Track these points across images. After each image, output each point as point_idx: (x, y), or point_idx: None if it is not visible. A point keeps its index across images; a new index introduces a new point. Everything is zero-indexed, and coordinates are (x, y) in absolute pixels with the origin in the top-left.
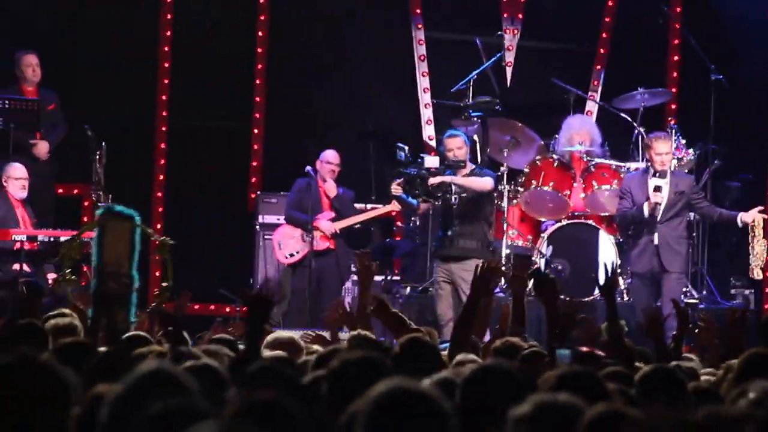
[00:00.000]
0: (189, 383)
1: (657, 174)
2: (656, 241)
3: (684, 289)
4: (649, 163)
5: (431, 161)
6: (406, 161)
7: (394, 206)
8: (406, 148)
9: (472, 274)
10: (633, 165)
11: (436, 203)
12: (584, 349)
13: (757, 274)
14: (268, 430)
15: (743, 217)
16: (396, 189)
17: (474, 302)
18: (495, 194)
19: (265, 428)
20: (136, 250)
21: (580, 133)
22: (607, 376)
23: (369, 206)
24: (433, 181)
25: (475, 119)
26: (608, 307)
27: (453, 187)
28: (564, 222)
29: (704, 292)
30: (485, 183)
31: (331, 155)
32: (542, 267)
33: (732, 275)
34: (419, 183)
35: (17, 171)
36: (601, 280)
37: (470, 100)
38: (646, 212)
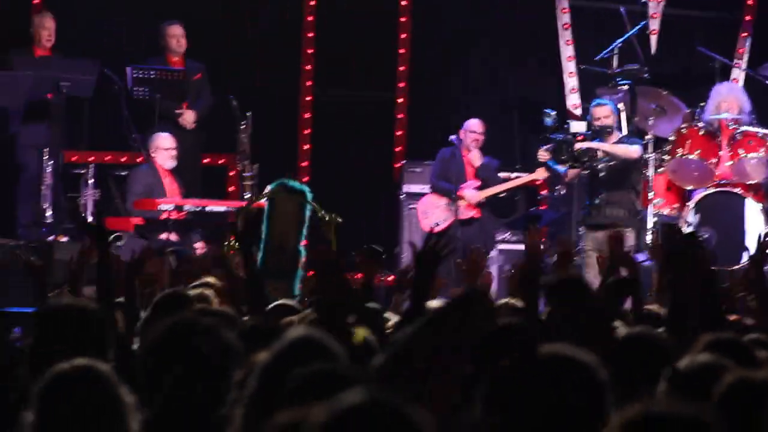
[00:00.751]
0: (336, 349)
1: None
2: None
3: None
4: None
5: (578, 126)
6: (553, 127)
7: (539, 174)
8: (554, 113)
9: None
10: None
11: (583, 171)
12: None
13: None
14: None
15: None
16: (543, 155)
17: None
18: (641, 162)
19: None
20: (305, 225)
21: (727, 100)
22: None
23: (514, 175)
24: (578, 146)
25: (622, 87)
26: (756, 278)
27: (599, 154)
28: (710, 190)
29: None
30: (632, 150)
31: (475, 124)
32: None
33: None
34: (566, 148)
35: (166, 141)
36: (753, 249)
37: (616, 68)
38: None
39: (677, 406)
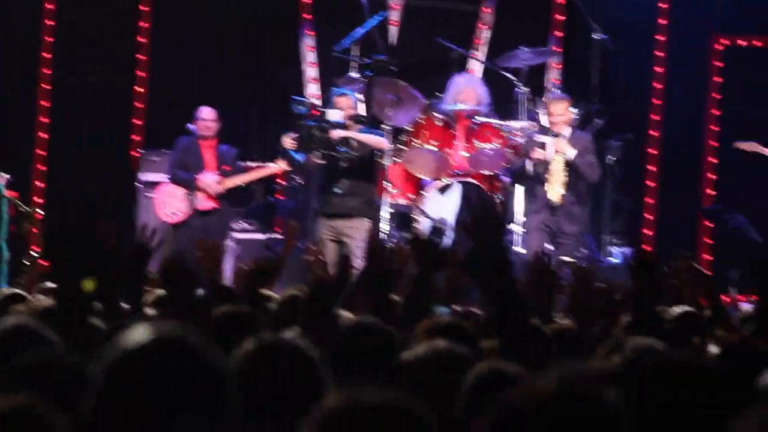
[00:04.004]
0: (52, 337)
1: (551, 134)
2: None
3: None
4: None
5: (335, 114)
6: (306, 115)
7: (282, 165)
8: (309, 101)
9: (360, 232)
10: (516, 124)
11: (320, 160)
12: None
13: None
14: None
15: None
16: (289, 143)
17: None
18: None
19: None
20: (3, 221)
21: (465, 91)
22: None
23: (253, 164)
24: (338, 134)
25: (362, 78)
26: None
27: (354, 144)
28: (446, 180)
29: (584, 251)
30: (383, 141)
31: (205, 111)
32: (427, 225)
33: (611, 234)
34: (318, 136)
35: None
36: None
37: (359, 59)
38: (529, 168)
39: (384, 396)
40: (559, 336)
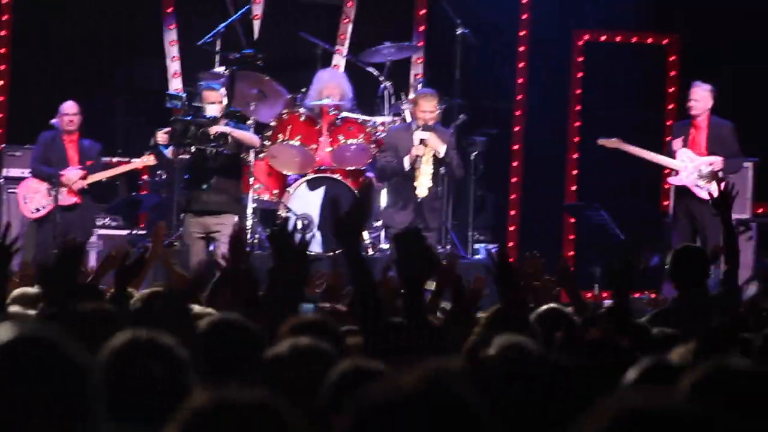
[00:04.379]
0: None
1: (421, 128)
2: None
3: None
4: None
5: (213, 110)
6: (181, 109)
7: (150, 160)
8: (183, 95)
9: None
10: (380, 119)
11: (184, 155)
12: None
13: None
14: None
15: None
16: (162, 138)
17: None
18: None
19: None
20: None
21: (329, 86)
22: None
23: (116, 159)
24: (216, 129)
25: (225, 72)
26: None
27: (229, 139)
28: (310, 176)
29: (449, 247)
30: (255, 138)
31: (67, 106)
32: (290, 221)
33: (475, 230)
34: (194, 131)
35: None
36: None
37: (222, 53)
38: (407, 165)
39: (249, 394)
40: (426, 331)
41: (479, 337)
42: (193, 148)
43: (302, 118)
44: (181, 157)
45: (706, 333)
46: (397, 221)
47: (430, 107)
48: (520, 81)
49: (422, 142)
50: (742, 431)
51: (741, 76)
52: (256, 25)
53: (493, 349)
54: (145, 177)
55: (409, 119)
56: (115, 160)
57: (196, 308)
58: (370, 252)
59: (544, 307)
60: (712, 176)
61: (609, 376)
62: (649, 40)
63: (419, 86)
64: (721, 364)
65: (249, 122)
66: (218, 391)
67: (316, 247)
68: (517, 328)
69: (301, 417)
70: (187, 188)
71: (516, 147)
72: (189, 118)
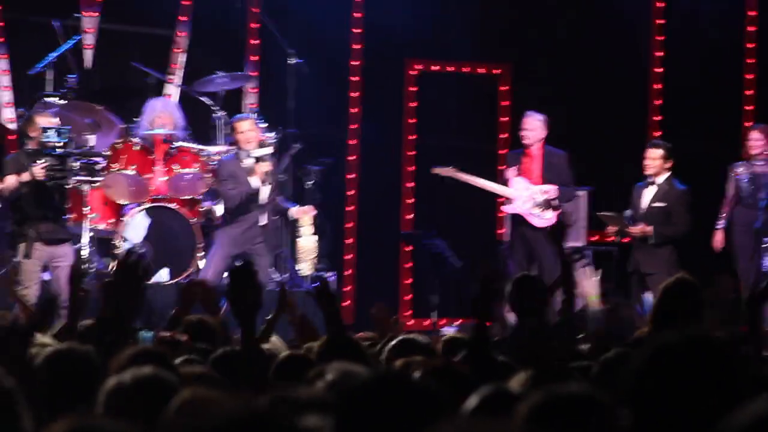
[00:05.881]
0: None
1: (249, 153)
2: (263, 222)
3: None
4: (237, 147)
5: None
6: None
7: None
8: (66, 128)
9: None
10: (214, 149)
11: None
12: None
13: (306, 270)
14: None
15: (293, 212)
16: (41, 173)
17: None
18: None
19: None
20: None
21: (161, 116)
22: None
23: None
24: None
25: (58, 102)
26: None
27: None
28: (146, 205)
29: (287, 275)
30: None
31: None
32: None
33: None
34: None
35: None
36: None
37: (54, 83)
38: (256, 184)
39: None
40: (273, 361)
41: (315, 367)
42: (26, 178)
43: (136, 148)
44: (13, 187)
45: (544, 361)
46: (235, 249)
47: (248, 126)
48: (354, 110)
49: (259, 159)
50: None
51: (573, 105)
52: (88, 54)
53: (329, 376)
54: None
55: (234, 151)
56: None
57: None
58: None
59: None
60: (547, 204)
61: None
62: (481, 70)
63: (254, 116)
64: (556, 391)
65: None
66: (75, 420)
67: (161, 276)
68: (351, 356)
69: None
70: (30, 218)
71: (351, 176)
72: (62, 153)
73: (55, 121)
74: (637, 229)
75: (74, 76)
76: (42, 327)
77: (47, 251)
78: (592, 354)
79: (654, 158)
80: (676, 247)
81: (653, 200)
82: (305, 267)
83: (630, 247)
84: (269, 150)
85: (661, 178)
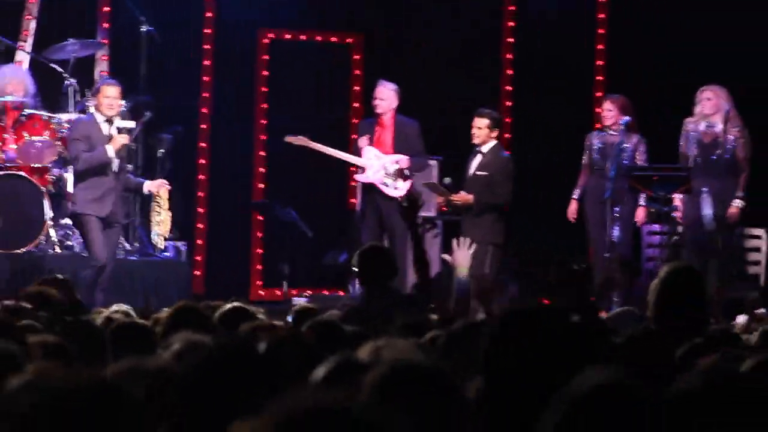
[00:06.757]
0: None
1: (108, 120)
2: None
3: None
4: (94, 110)
5: None
6: None
7: None
8: None
9: None
10: (65, 116)
11: None
12: None
13: (160, 244)
14: None
15: (148, 186)
16: None
17: None
18: None
19: None
20: None
21: (12, 83)
22: None
23: None
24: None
25: None
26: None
27: None
28: None
29: (136, 244)
30: None
31: None
32: None
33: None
34: None
35: None
36: None
37: None
38: (111, 153)
39: None
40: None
41: (162, 336)
42: None
43: None
44: None
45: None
46: (96, 211)
47: (114, 92)
48: (205, 79)
49: (121, 131)
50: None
51: (424, 74)
52: None
53: (175, 345)
54: None
55: (91, 113)
56: None
57: None
58: (58, 250)
59: (228, 305)
60: (399, 174)
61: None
62: (334, 39)
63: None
64: (401, 361)
65: None
66: None
67: None
68: (198, 325)
69: None
70: None
71: (203, 145)
72: None
73: None
74: (458, 197)
75: None
76: None
77: None
78: (440, 324)
79: (479, 127)
80: (502, 216)
81: (477, 169)
82: (159, 240)
83: None
84: (133, 124)
85: (486, 147)
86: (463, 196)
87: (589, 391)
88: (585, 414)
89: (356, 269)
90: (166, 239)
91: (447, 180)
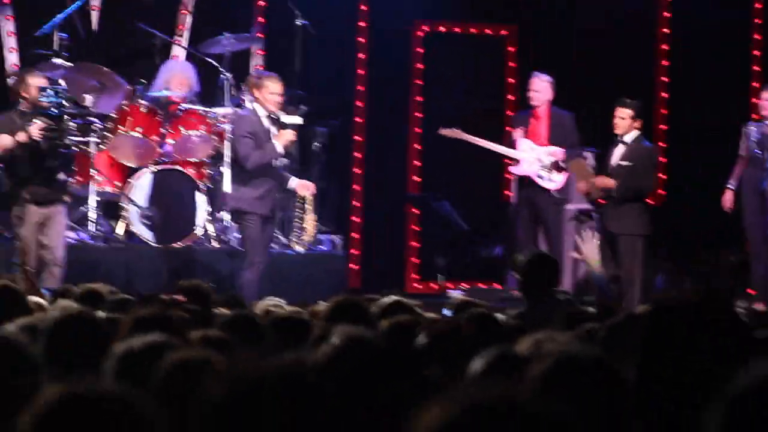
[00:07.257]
0: None
1: (270, 115)
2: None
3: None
4: (255, 105)
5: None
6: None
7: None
8: (62, 89)
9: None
10: (220, 110)
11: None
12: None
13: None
14: None
15: (293, 184)
16: (38, 133)
17: None
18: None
19: None
20: None
21: (178, 77)
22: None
23: None
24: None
25: (64, 64)
26: None
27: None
28: (152, 168)
29: (292, 238)
30: None
31: None
32: (135, 213)
33: (319, 221)
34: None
35: None
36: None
37: (61, 44)
38: (280, 149)
39: (103, 388)
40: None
41: (321, 329)
42: (23, 138)
43: (143, 110)
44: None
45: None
46: (259, 209)
47: (279, 88)
48: (360, 72)
49: (286, 126)
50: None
51: (580, 66)
52: (94, 15)
53: (335, 339)
54: None
55: (251, 108)
56: None
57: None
58: (215, 244)
59: (387, 299)
60: (554, 166)
61: (456, 364)
62: (488, 31)
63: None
64: (566, 354)
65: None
66: (70, 385)
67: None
68: (357, 319)
69: (155, 410)
70: (18, 180)
71: (358, 138)
72: (59, 112)
73: (44, 81)
74: (601, 181)
75: (66, 36)
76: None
77: (40, 212)
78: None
79: (623, 117)
80: (648, 207)
81: (621, 159)
82: (302, 245)
83: None
84: (300, 120)
85: (629, 137)
86: (605, 180)
87: (761, 384)
88: (758, 407)
89: (520, 277)
90: (309, 245)
91: (589, 155)
